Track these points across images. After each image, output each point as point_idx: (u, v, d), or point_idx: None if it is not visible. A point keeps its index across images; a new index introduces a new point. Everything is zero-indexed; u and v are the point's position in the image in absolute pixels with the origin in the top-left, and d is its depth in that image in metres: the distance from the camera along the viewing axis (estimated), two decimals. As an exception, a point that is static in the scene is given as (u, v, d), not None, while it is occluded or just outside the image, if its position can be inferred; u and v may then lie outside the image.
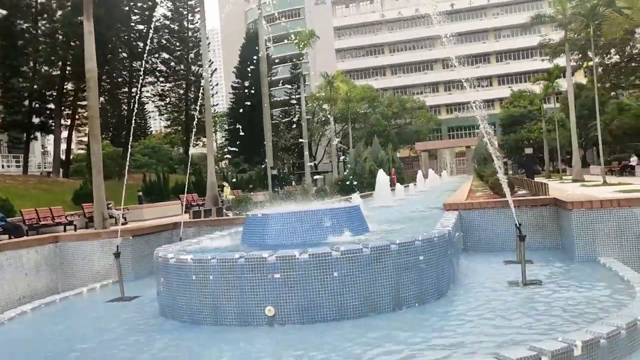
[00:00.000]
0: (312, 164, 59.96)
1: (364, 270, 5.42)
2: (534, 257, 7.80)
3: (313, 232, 6.50)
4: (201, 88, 60.86)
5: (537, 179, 24.14)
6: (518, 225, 6.61)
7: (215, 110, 63.29)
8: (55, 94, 39.21)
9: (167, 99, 59.16)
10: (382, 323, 5.18)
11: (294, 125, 72.76)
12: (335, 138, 54.18)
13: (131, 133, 45.75)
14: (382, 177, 13.60)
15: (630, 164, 40.65)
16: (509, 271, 7.21)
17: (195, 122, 61.95)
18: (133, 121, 51.51)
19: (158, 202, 29.92)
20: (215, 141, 71.99)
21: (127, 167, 10.45)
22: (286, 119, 73.88)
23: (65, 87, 39.85)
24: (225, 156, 75.52)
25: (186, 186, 20.21)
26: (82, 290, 8.28)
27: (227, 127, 73.91)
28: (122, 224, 17.24)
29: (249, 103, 50.60)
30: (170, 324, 5.80)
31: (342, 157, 45.45)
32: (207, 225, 10.70)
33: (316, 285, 5.34)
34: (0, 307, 7.96)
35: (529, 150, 23.59)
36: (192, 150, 65.41)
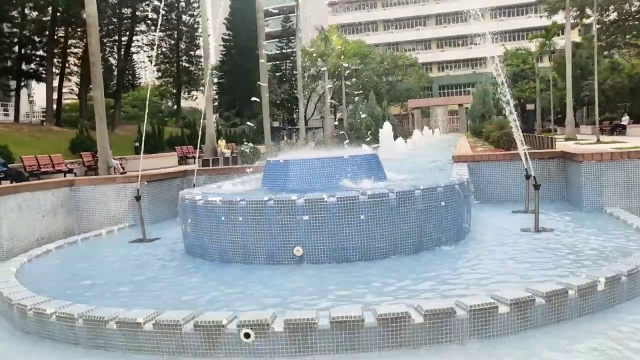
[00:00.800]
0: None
1: (389, 214, 5.63)
2: (541, 208, 8.06)
3: (334, 178, 6.66)
4: (196, 38, 59.88)
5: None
6: (533, 175, 6.81)
7: (200, 63, 62.42)
8: (45, 40, 38.38)
9: (159, 50, 58.11)
10: (404, 263, 5.44)
11: (284, 80, 72.05)
12: (328, 94, 53.67)
13: (122, 82, 45.19)
14: (387, 129, 13.70)
15: (622, 123, 41.04)
16: (519, 220, 7.49)
17: (187, 76, 61.29)
18: (123, 71, 50.71)
19: (154, 153, 29.89)
20: (204, 94, 71.22)
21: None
22: (277, 74, 73.05)
23: (55, 33, 38.96)
24: (219, 110, 74.89)
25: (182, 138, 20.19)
26: (101, 232, 8.46)
27: (217, 81, 73.04)
28: (121, 174, 17.35)
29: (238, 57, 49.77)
30: (200, 262, 6.03)
31: (339, 113, 45.34)
32: (217, 174, 10.84)
33: (343, 227, 5.55)
34: (20, 247, 8.15)
35: (530, 107, 23.63)
36: (182, 104, 64.80)
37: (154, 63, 56.68)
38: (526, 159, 7.72)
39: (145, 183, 9.33)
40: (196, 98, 70.38)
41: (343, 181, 6.57)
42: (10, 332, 4.61)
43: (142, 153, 9.54)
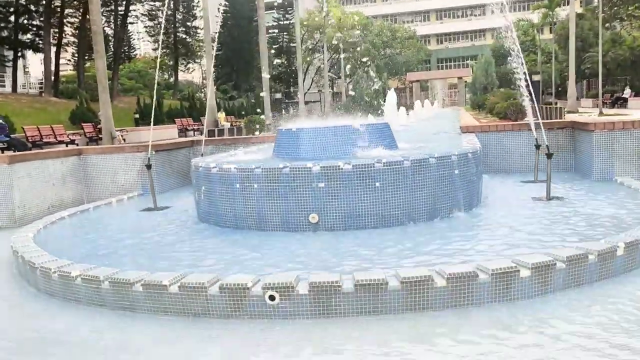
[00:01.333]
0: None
1: (404, 182, 5.66)
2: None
3: (346, 147, 6.66)
4: (193, 8, 59.06)
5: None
6: (546, 144, 6.83)
7: (201, 34, 61.69)
8: (42, 10, 37.82)
9: (155, 20, 57.36)
10: (419, 230, 5.49)
11: (282, 53, 71.26)
12: (327, 67, 53.16)
13: (120, 52, 44.63)
14: (392, 100, 13.65)
15: (623, 96, 40.93)
16: (529, 189, 7.53)
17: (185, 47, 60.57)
18: (120, 42, 50.09)
19: (154, 125, 29.76)
20: (201, 67, 70.61)
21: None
22: (275, 47, 72.23)
23: (52, 2, 38.37)
24: (216, 83, 74.19)
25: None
26: (111, 200, 8.49)
27: (214, 53, 72.14)
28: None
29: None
30: (215, 229, 6.08)
31: (347, 83, 44.75)
32: (224, 144, 10.83)
33: (359, 194, 5.59)
34: (31, 215, 8.19)
35: (537, 78, 23.57)
36: (179, 77, 64.17)
37: (158, 32, 55.95)
38: (537, 129, 7.74)
39: (154, 152, 9.32)
40: (192, 71, 69.73)
41: (356, 150, 6.58)
42: (35, 295, 4.66)
43: (152, 122, 9.52)
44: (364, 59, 50.96)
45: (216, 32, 67.01)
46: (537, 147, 8.19)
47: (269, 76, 26.46)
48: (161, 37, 26.87)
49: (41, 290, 4.64)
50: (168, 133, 29.03)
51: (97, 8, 15.33)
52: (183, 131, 31.26)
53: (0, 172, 7.80)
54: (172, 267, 4.60)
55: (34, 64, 58.79)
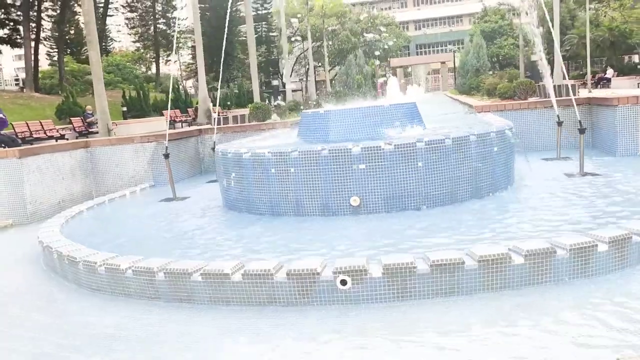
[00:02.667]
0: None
1: (446, 160, 5.50)
2: (570, 154, 8.03)
3: (376, 128, 6.47)
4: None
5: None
6: (578, 120, 6.72)
7: (181, 25, 60.81)
8: (19, 4, 36.80)
9: (136, 12, 56.32)
10: (464, 209, 5.35)
11: (262, 42, 70.40)
12: (311, 55, 52.63)
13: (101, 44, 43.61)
14: (394, 82, 13.53)
15: (606, 76, 41.23)
16: (555, 166, 7.45)
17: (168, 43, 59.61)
18: (101, 34, 49.06)
19: (142, 118, 29.20)
20: (179, 60, 69.61)
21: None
22: (255, 36, 71.37)
23: (29, -4, 37.33)
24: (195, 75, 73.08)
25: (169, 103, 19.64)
26: (124, 193, 8.22)
27: (192, 45, 70.99)
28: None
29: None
30: (250, 217, 5.86)
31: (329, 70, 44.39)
32: (232, 132, 10.59)
33: (401, 175, 5.42)
34: (43, 210, 7.89)
35: (535, 57, 23.56)
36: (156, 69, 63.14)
37: (138, 24, 54.96)
38: (549, 106, 7.64)
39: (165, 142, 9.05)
40: (170, 62, 68.59)
41: (386, 131, 6.40)
42: (76, 290, 4.43)
43: (168, 110, 9.21)
44: (349, 46, 50.59)
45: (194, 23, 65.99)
46: (559, 123, 8.10)
47: (256, 66, 26.04)
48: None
49: (82, 285, 4.41)
50: (157, 125, 28.49)
51: (88, -2, 14.86)
52: (172, 123, 30.69)
53: (11, 167, 7.47)
54: (220, 255, 4.40)
55: (4, 61, 57.60)
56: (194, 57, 73.39)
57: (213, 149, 9.16)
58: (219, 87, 14.25)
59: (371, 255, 3.91)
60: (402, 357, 2.89)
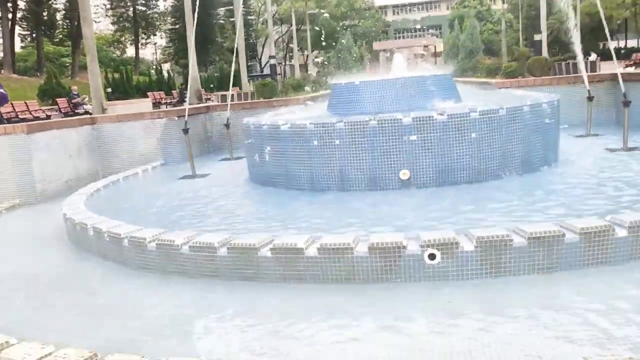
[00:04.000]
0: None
1: (499, 132, 5.21)
2: (596, 131, 7.83)
3: (413, 100, 6.13)
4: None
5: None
6: (624, 92, 6.46)
7: (157, 6, 59.67)
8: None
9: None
10: (519, 183, 5.09)
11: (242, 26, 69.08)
12: (295, 38, 51.87)
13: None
14: (400, 60, 13.12)
15: (590, 60, 41.42)
16: (591, 142, 7.22)
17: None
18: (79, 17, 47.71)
19: (126, 100, 28.47)
20: (154, 44, 68.28)
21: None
22: (232, 19, 70.23)
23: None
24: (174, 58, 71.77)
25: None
26: (137, 171, 7.78)
27: (170, 27, 69.48)
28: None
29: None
30: (288, 192, 5.49)
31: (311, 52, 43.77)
32: (242, 108, 10.17)
33: (454, 147, 5.11)
34: (51, 189, 7.44)
35: (538, 37, 23.33)
36: (132, 53, 61.84)
37: (117, 5, 53.56)
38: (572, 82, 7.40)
39: (176, 118, 8.62)
40: (146, 46, 67.09)
41: (423, 103, 6.06)
42: (121, 270, 4.03)
43: (188, 90, 8.71)
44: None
45: (172, 5, 64.55)
46: (590, 99, 7.88)
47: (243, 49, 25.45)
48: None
49: (128, 265, 4.02)
50: (143, 106, 27.80)
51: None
52: (157, 104, 30.02)
53: (19, 144, 6.97)
54: (276, 231, 4.06)
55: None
56: (171, 40, 72.09)
57: (227, 125, 8.76)
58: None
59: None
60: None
